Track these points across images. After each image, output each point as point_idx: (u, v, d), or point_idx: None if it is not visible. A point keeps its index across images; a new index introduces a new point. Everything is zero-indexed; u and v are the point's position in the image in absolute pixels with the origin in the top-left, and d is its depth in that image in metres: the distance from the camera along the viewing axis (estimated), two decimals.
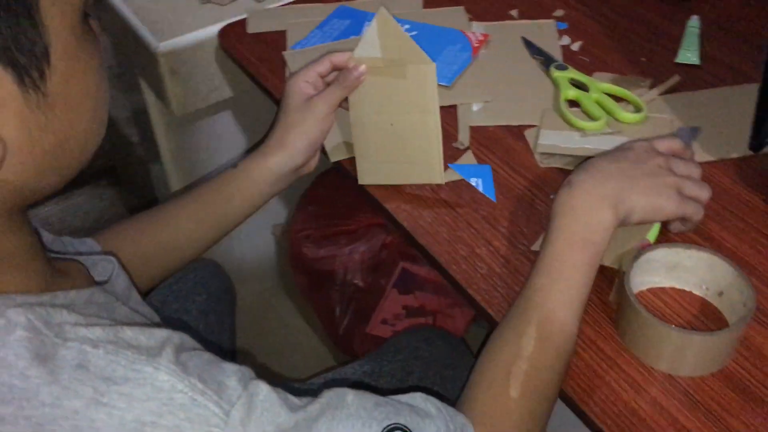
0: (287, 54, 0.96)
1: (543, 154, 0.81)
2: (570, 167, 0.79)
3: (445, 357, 0.93)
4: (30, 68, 0.39)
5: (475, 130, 0.85)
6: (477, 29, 1.00)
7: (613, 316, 0.65)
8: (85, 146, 0.45)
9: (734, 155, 0.80)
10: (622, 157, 0.67)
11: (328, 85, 0.80)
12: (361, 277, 1.29)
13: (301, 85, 0.79)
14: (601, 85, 0.87)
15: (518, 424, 0.56)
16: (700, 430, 0.57)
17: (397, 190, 0.79)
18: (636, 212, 0.63)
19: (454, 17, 1.02)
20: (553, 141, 0.81)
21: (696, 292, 0.66)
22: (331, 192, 1.41)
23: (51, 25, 0.40)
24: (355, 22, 1.01)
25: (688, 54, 0.93)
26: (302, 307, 1.56)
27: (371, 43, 0.74)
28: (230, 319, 1.06)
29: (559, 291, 0.60)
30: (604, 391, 0.60)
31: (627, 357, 0.62)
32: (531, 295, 0.61)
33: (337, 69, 0.79)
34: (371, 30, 0.73)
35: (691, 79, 0.90)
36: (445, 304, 1.26)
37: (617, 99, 0.86)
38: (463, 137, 0.84)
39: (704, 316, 0.65)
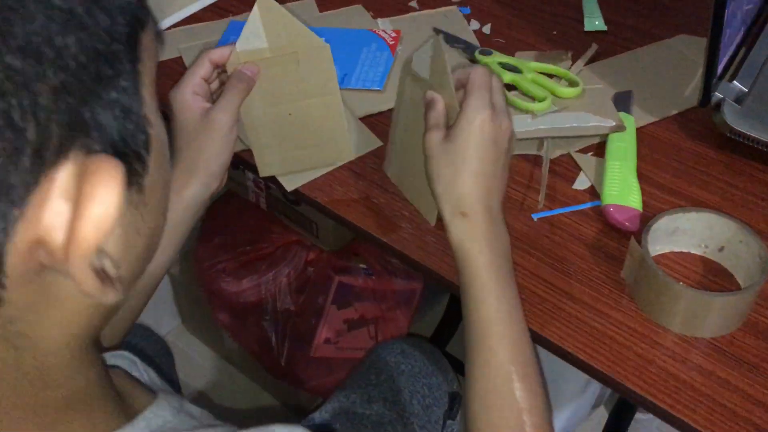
0: (182, 48, 0.86)
1: None
2: (531, 151, 0.79)
3: (426, 365, 0.91)
4: (135, 158, 0.31)
5: None
6: (384, 26, 0.96)
7: (629, 292, 0.65)
8: (155, 248, 0.36)
9: (673, 111, 0.83)
10: (488, 157, 0.60)
11: (215, 89, 0.72)
12: (291, 300, 1.22)
13: (190, 98, 0.68)
14: (531, 64, 0.87)
15: None
16: (747, 383, 0.58)
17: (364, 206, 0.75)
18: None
19: (357, 17, 0.98)
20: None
21: (695, 251, 0.68)
22: (232, 218, 1.33)
23: (146, 95, 0.32)
24: None
25: (595, 21, 0.96)
26: (216, 344, 1.46)
27: (255, 34, 0.68)
28: (177, 377, 0.97)
29: (510, 320, 0.56)
30: (641, 365, 0.60)
31: (654, 327, 0.62)
32: (490, 344, 0.55)
33: (218, 66, 0.70)
34: (253, 20, 0.67)
35: (604, 45, 0.92)
36: (384, 308, 1.22)
37: (549, 76, 0.87)
38: None
39: (709, 273, 0.67)
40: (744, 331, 0.62)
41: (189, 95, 0.68)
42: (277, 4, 0.67)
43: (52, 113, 0.25)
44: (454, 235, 0.58)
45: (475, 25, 0.97)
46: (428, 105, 0.63)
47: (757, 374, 0.59)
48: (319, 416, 0.84)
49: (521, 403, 0.53)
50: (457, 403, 0.92)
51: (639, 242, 0.62)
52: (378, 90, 0.86)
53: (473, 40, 0.93)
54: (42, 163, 0.26)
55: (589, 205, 0.73)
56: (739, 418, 0.56)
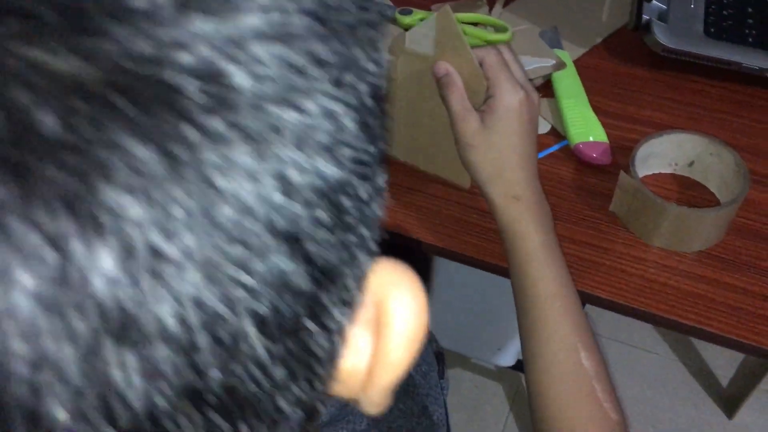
0: None
1: None
2: None
3: (425, 360, 0.91)
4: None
5: None
6: None
7: (624, 223, 0.67)
8: None
9: (599, 39, 0.85)
10: (530, 138, 0.59)
11: None
12: None
13: None
14: (456, 15, 0.86)
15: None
16: (748, 282, 0.63)
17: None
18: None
19: None
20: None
21: (665, 170, 0.71)
22: None
23: None
24: None
25: None
26: None
27: (425, 37, 0.67)
28: None
29: (568, 293, 0.56)
30: (659, 289, 0.63)
31: (657, 251, 0.65)
32: (553, 318, 0.55)
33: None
34: (428, 25, 0.66)
35: None
36: None
37: (474, 25, 0.86)
38: None
39: (683, 188, 0.70)
40: (730, 236, 0.66)
41: None
42: (455, 22, 0.64)
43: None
44: (507, 218, 0.57)
45: None
46: (444, 82, 0.61)
47: (753, 272, 0.64)
48: None
49: (589, 370, 0.54)
50: (441, 362, 0.93)
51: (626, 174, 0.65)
52: None
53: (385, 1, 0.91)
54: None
55: (556, 147, 0.74)
56: (755, 317, 0.61)
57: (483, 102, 0.60)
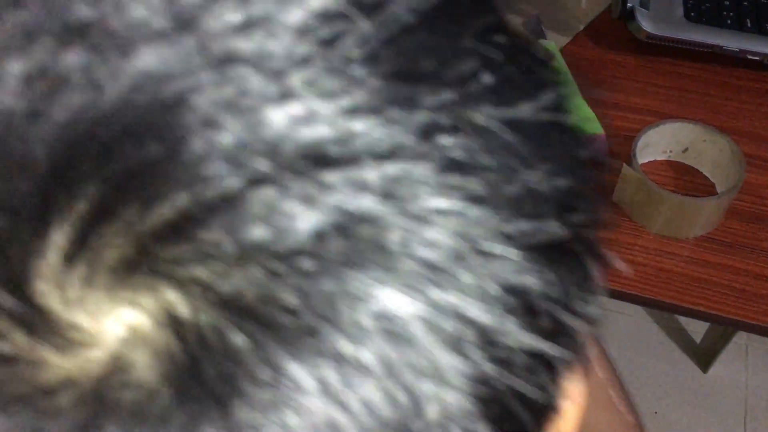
0: None
1: None
2: None
3: None
4: None
5: None
6: None
7: (628, 213, 0.69)
8: None
9: (580, 26, 0.87)
10: None
11: None
12: None
13: None
14: None
15: None
16: (750, 264, 0.66)
17: None
18: None
19: None
20: None
21: (660, 157, 0.74)
22: None
23: None
24: None
25: None
26: None
27: None
28: None
29: None
30: (669, 277, 0.65)
31: (664, 240, 0.68)
32: None
33: None
34: None
35: None
36: None
37: None
38: None
39: (679, 174, 0.73)
40: (729, 220, 0.69)
41: None
42: None
43: None
44: None
45: None
46: None
47: (756, 254, 0.67)
48: None
49: (604, 380, 0.56)
50: None
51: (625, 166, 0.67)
52: None
53: None
54: None
55: None
56: (758, 297, 0.64)
57: None
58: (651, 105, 0.79)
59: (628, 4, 0.81)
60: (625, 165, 0.67)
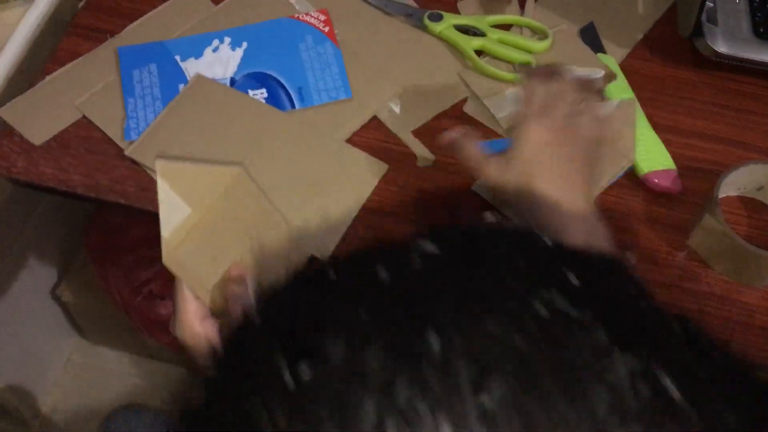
0: (160, 164, 0.71)
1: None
2: None
3: None
4: None
5: (419, 134, 0.75)
6: (302, 6, 0.83)
7: (705, 259, 0.67)
8: None
9: (639, 35, 0.82)
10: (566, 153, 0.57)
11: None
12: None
13: (201, 329, 0.60)
14: (488, 18, 0.80)
15: None
16: None
17: None
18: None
19: (263, 1, 0.83)
20: (508, 108, 0.75)
21: (733, 194, 0.71)
22: (131, 229, 1.17)
23: None
24: (164, 62, 0.77)
25: None
26: (135, 347, 1.35)
27: (173, 206, 0.59)
28: None
29: None
30: (738, 331, 0.64)
31: (744, 289, 0.66)
32: None
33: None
34: (164, 193, 0.59)
35: None
36: None
37: (508, 28, 0.81)
38: (421, 151, 0.73)
39: (752, 212, 0.70)
40: None
41: (198, 327, 0.59)
42: (173, 161, 0.62)
43: None
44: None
45: None
46: (456, 147, 0.62)
47: None
48: None
49: None
50: None
51: (704, 211, 0.64)
52: (347, 99, 0.76)
53: (408, 1, 0.83)
54: None
55: (620, 175, 0.72)
56: None
57: None
58: (717, 130, 0.75)
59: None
60: (707, 215, 0.64)
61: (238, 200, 0.64)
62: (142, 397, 1.34)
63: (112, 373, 1.39)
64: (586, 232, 0.55)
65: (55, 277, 1.25)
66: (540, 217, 0.55)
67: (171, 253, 0.58)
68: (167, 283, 1.12)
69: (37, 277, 1.20)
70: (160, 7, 0.82)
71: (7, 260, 1.06)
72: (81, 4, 0.83)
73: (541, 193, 0.55)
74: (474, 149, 0.60)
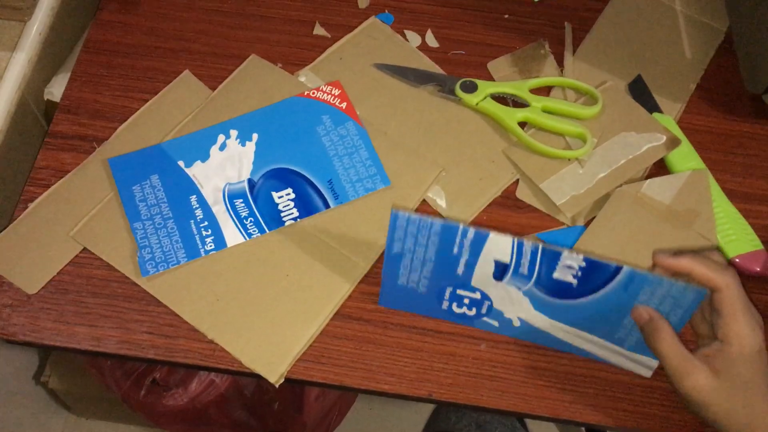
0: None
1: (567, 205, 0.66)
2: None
3: None
4: None
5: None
6: (311, 80, 0.72)
7: None
8: None
9: (692, 86, 0.74)
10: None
11: None
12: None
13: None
14: (528, 83, 0.71)
15: None
16: None
17: None
18: None
19: (265, 76, 0.72)
20: (566, 192, 0.66)
21: None
22: None
23: None
24: (166, 171, 0.66)
25: None
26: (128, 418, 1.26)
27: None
28: None
29: None
30: None
31: None
32: None
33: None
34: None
35: (562, 14, 0.78)
36: None
37: (548, 91, 0.72)
38: None
39: None
40: None
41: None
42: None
43: None
44: None
45: (414, 38, 0.76)
46: (650, 330, 0.51)
47: None
48: None
49: None
50: None
51: None
52: (386, 188, 0.66)
53: (432, 66, 0.74)
54: None
55: None
56: None
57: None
58: None
59: None
60: None
61: None
62: None
63: None
64: None
65: (37, 362, 1.14)
66: None
67: None
68: (170, 369, 1.02)
69: (17, 362, 1.09)
70: (149, 102, 0.70)
71: None
72: (55, 100, 0.71)
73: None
74: (676, 343, 0.50)
